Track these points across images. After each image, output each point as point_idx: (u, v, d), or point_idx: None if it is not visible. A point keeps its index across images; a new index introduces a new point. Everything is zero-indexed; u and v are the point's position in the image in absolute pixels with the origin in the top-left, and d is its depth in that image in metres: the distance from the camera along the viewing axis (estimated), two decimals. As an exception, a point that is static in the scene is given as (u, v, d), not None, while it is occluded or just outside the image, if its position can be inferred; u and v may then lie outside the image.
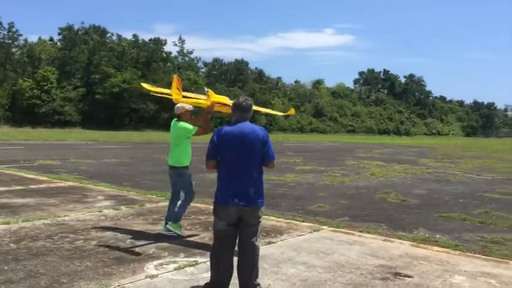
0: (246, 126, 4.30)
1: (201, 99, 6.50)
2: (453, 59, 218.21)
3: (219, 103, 6.33)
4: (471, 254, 6.00)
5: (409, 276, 4.96)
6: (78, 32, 63.00)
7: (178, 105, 6.34)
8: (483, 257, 5.91)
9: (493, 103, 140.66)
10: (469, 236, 7.01)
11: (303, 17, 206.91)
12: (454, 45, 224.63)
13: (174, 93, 6.24)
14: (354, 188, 12.17)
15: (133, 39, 66.90)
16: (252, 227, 4.23)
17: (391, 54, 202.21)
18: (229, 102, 6.96)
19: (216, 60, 79.74)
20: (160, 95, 7.29)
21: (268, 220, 7.22)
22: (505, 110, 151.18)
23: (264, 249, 5.17)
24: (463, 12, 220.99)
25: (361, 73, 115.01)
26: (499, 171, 18.78)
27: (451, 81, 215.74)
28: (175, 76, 6.52)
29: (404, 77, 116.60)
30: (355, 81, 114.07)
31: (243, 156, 4.21)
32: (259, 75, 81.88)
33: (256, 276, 4.26)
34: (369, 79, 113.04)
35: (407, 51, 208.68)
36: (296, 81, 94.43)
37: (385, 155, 27.28)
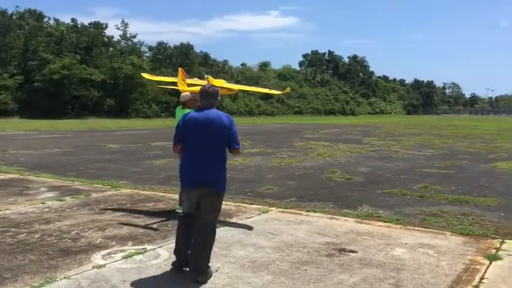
0: (212, 112, 4.41)
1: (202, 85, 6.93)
2: (393, 40, 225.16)
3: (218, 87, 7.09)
4: (411, 227, 6.32)
5: (353, 252, 5.16)
6: (12, 17, 59.72)
7: (183, 93, 6.90)
8: (422, 229, 6.24)
9: (432, 81, 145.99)
10: (409, 210, 7.35)
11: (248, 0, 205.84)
12: (393, 27, 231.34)
13: (180, 84, 6.97)
14: (301, 168, 12.40)
15: (72, 23, 64.08)
16: (211, 211, 4.39)
17: (334, 36, 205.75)
18: (226, 85, 7.46)
19: (160, 44, 77.80)
20: (165, 86, 7.97)
21: (217, 204, 7.27)
22: (444, 87, 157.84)
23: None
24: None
25: (305, 55, 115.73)
26: (438, 147, 19.71)
27: (392, 61, 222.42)
28: (180, 69, 7.20)
29: (348, 57, 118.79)
30: (300, 63, 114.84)
31: (206, 142, 4.32)
32: (205, 58, 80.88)
33: (208, 260, 4.34)
34: (313, 61, 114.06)
35: (350, 33, 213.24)
36: (243, 64, 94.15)
37: (331, 135, 27.89)
